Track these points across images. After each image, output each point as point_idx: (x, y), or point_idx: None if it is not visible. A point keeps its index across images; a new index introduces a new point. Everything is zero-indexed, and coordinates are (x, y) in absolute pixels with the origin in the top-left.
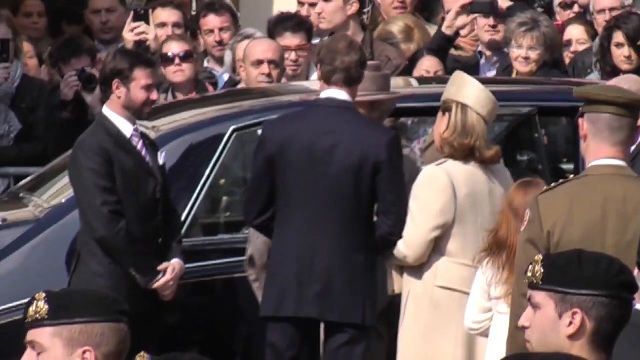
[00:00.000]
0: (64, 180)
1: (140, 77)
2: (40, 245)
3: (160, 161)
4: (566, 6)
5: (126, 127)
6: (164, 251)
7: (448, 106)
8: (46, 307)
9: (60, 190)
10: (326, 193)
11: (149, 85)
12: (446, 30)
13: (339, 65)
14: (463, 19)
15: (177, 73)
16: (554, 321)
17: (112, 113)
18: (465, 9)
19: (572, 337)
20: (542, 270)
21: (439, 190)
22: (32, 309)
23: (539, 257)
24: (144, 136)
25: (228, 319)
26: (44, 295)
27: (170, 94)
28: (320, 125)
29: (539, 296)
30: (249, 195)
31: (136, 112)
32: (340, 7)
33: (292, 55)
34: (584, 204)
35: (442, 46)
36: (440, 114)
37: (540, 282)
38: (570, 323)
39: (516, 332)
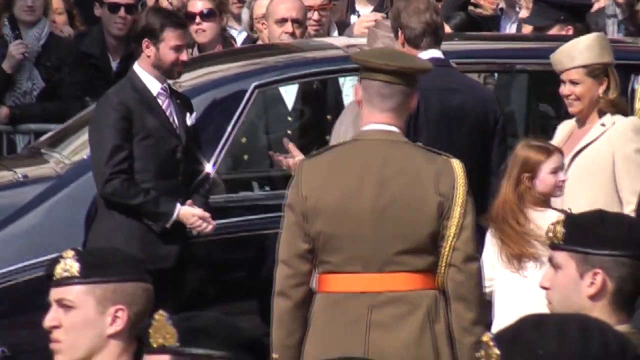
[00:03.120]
0: (85, 135)
1: (170, 37)
2: (62, 202)
3: (189, 122)
4: None
5: (154, 85)
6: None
7: (601, 70)
8: (77, 265)
9: (82, 146)
10: (462, 148)
11: (179, 46)
12: None
13: (426, 28)
14: None
15: (198, 32)
16: (575, 281)
17: (141, 70)
18: None
19: (593, 298)
20: (564, 230)
21: None
22: (60, 267)
23: (560, 217)
24: (174, 95)
25: (249, 277)
26: (72, 253)
27: (196, 50)
28: (444, 83)
29: (560, 256)
30: None
31: (165, 72)
32: None
33: (315, 15)
34: (343, 168)
35: (462, 20)
36: (588, 79)
37: (562, 242)
38: (592, 283)
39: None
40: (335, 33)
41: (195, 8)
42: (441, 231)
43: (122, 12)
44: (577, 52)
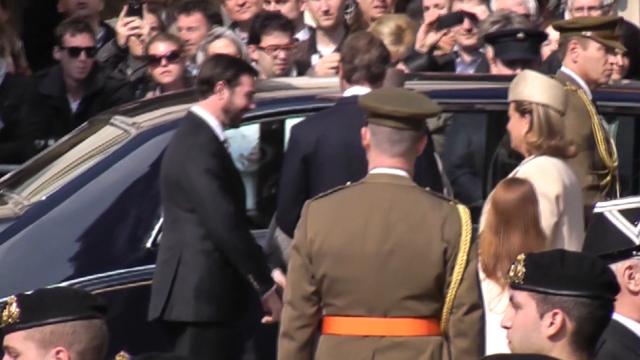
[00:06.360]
0: (44, 176)
1: (246, 83)
2: (20, 243)
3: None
4: None
5: (219, 131)
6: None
7: (526, 108)
8: (17, 310)
9: (41, 187)
10: None
11: (252, 92)
12: (420, 49)
13: (359, 63)
14: (433, 36)
15: (164, 74)
16: (535, 321)
17: (208, 114)
18: (432, 26)
19: (552, 338)
20: (524, 270)
21: (552, 178)
22: (5, 314)
23: (521, 256)
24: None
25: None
26: (15, 298)
27: (158, 92)
28: (352, 122)
29: (520, 296)
30: (287, 199)
31: (233, 118)
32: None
33: (282, 54)
34: (349, 211)
35: (422, 65)
36: (516, 114)
37: (522, 282)
38: (551, 323)
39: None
40: (295, 73)
41: (159, 50)
42: (446, 278)
43: (82, 56)
44: (512, 87)
